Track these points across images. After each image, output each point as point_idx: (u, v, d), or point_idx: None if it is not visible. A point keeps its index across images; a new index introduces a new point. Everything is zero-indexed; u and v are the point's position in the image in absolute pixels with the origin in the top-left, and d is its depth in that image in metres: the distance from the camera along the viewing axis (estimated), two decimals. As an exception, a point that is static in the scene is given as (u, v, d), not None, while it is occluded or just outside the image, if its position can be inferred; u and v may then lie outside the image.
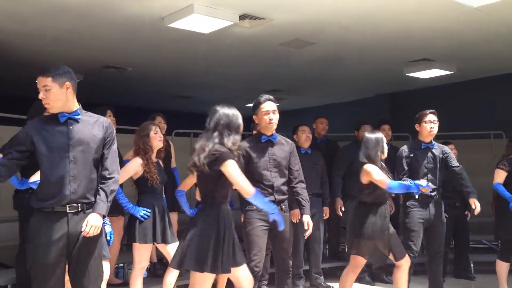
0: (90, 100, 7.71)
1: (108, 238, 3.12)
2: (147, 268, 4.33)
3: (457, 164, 4.28)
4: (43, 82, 2.69)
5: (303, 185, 3.73)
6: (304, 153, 5.02)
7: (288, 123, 5.46)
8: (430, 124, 4.17)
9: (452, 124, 7.51)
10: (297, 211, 4.86)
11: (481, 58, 6.86)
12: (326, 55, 6.66)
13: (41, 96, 2.70)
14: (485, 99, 8.05)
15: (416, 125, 4.26)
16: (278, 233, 3.46)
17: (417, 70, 7.10)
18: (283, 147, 3.65)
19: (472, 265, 5.72)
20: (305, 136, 5.05)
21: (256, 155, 3.55)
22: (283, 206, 3.60)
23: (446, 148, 4.36)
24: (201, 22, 4.92)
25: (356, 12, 5.04)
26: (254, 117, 3.65)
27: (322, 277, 5.14)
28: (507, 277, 4.56)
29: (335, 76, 8.02)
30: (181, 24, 4.96)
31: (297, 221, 4.88)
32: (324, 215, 5.14)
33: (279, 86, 8.63)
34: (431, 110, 4.23)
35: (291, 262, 3.62)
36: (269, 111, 3.59)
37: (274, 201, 3.49)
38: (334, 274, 5.76)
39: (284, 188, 3.64)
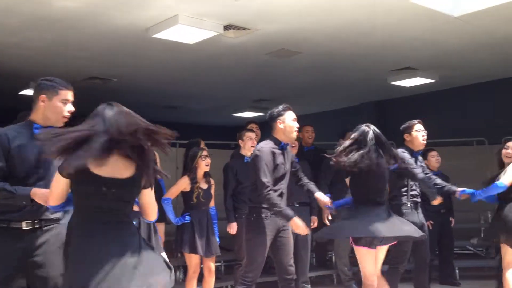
0: (75, 111, 7.73)
1: None
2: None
3: (427, 172, 4.36)
4: (71, 95, 2.74)
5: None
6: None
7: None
8: (421, 133, 4.25)
9: (435, 131, 7.58)
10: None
11: (463, 67, 6.97)
12: (312, 64, 6.71)
13: (71, 109, 2.73)
14: (467, 107, 8.16)
15: (406, 135, 4.30)
16: (279, 239, 3.55)
17: (400, 78, 7.20)
18: (289, 154, 3.77)
19: (457, 271, 5.77)
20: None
21: (279, 161, 3.63)
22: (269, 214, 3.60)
23: (421, 158, 4.46)
24: (186, 33, 4.94)
25: (341, 22, 5.11)
26: (279, 122, 3.67)
27: (309, 286, 5.15)
28: None
29: (321, 85, 8.09)
30: (166, 34, 4.98)
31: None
32: (312, 224, 5.15)
33: (265, 96, 8.68)
34: (418, 120, 4.31)
35: (293, 269, 3.62)
36: (296, 118, 3.72)
37: None
38: (322, 282, 5.79)
39: None
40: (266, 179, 3.43)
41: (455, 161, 5.96)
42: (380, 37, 5.61)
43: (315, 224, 5.16)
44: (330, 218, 5.15)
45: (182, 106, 9.35)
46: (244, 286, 3.44)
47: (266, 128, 3.76)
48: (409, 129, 4.26)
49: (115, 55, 6.04)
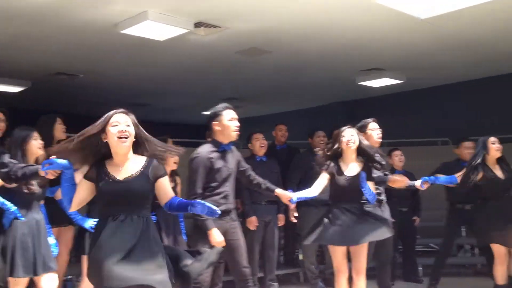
0: (39, 108, 7.53)
1: (53, 249, 3.03)
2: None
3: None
4: None
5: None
6: (259, 161, 5.05)
7: (246, 132, 5.48)
8: (376, 131, 4.28)
9: (402, 131, 7.76)
10: (253, 218, 4.90)
11: (429, 68, 7.13)
12: (282, 64, 6.74)
13: None
14: (433, 108, 8.35)
15: (362, 134, 4.35)
16: (229, 242, 3.47)
17: (369, 79, 7.31)
18: (233, 155, 3.65)
19: (420, 268, 5.89)
20: (259, 144, 5.08)
21: (218, 164, 3.52)
22: (233, 215, 3.57)
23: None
24: (155, 29, 4.88)
25: (311, 22, 5.14)
26: (215, 123, 3.56)
27: (276, 284, 5.17)
28: None
29: (292, 84, 8.13)
30: (135, 30, 4.91)
31: (254, 228, 4.91)
32: (279, 222, 5.18)
33: (236, 94, 8.67)
34: (372, 119, 4.35)
35: (249, 270, 3.58)
36: (235, 118, 3.59)
37: (228, 210, 3.51)
38: (289, 281, 5.82)
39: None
40: (195, 188, 3.40)
41: (420, 161, 6.07)
42: (348, 38, 5.68)
43: (282, 222, 5.19)
44: (296, 215, 5.19)
45: (151, 103, 9.24)
46: None
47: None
48: (363, 128, 4.30)
49: (82, 50, 5.92)
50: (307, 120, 9.37)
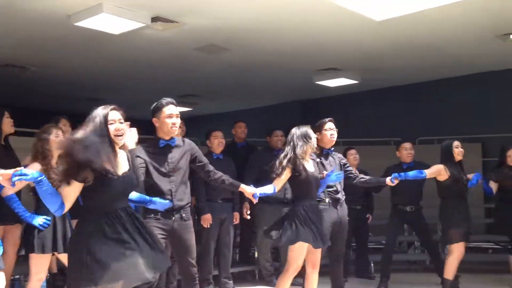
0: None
1: None
2: (46, 279, 4.10)
3: (351, 169, 4.58)
4: None
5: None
6: (216, 158, 5.03)
7: (204, 129, 5.45)
8: (330, 132, 4.37)
9: (357, 130, 7.92)
10: (208, 216, 4.87)
11: (383, 69, 7.30)
12: (240, 62, 6.74)
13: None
14: (387, 108, 8.56)
15: (317, 134, 4.41)
16: (180, 241, 3.44)
17: (325, 78, 7.40)
18: (179, 150, 3.55)
19: (372, 265, 6.04)
20: (217, 142, 5.06)
21: (156, 160, 3.45)
22: (183, 214, 3.48)
23: (341, 155, 4.64)
24: (110, 22, 4.77)
25: (268, 20, 5.16)
26: (154, 119, 3.49)
27: (231, 281, 5.17)
28: None
29: (250, 82, 8.14)
30: (89, 23, 4.78)
31: (208, 226, 4.88)
32: (234, 220, 5.18)
33: (194, 91, 8.60)
34: (329, 119, 4.44)
35: (196, 269, 3.53)
36: (173, 115, 3.47)
37: (173, 208, 3.41)
38: (244, 278, 5.83)
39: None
40: None
41: (373, 160, 6.21)
42: (305, 37, 5.74)
43: (237, 220, 5.19)
44: (248, 212, 5.19)
45: (106, 98, 9.00)
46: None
47: (192, 124, 3.66)
48: (319, 128, 4.41)
49: (33, 42, 5.71)
50: (265, 118, 9.40)
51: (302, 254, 3.75)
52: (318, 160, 4.29)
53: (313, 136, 3.94)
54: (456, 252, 4.67)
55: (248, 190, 3.62)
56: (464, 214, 4.67)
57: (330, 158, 4.41)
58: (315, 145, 3.97)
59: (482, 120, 7.53)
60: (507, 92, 7.41)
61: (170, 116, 3.44)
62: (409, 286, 5.52)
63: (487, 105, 7.59)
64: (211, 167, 3.62)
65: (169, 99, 3.49)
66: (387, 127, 8.19)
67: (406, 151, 5.32)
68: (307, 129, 3.92)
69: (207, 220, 4.87)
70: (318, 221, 3.80)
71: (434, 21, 5.26)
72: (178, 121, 3.48)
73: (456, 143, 4.74)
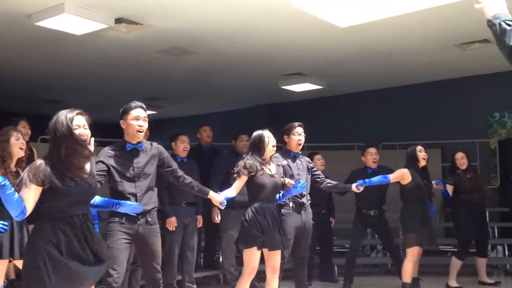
0: None
1: None
2: (4, 285, 3.95)
3: (319, 173, 4.64)
4: None
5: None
6: (180, 162, 4.98)
7: (168, 132, 5.39)
8: (298, 136, 4.40)
9: (322, 135, 8.00)
10: (173, 219, 4.81)
11: (347, 75, 7.42)
12: (205, 65, 6.71)
13: None
14: (351, 113, 8.70)
15: (285, 137, 4.45)
16: (145, 246, 3.37)
17: (291, 83, 7.47)
18: (146, 155, 3.48)
19: (336, 268, 6.10)
20: (183, 146, 5.01)
21: (121, 164, 3.37)
22: (149, 219, 3.40)
23: (309, 159, 4.68)
24: (72, 23, 4.67)
25: (234, 24, 5.16)
26: (121, 122, 3.44)
27: (195, 286, 5.12)
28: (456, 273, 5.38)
29: (215, 86, 8.12)
30: (50, 23, 4.67)
31: (173, 229, 4.82)
32: (198, 223, 5.13)
33: (159, 94, 8.51)
34: (298, 123, 4.45)
35: (160, 275, 3.46)
36: (140, 118, 3.40)
37: (138, 214, 3.32)
38: (208, 282, 5.79)
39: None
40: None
41: (337, 164, 6.29)
42: (271, 42, 5.77)
43: (200, 223, 5.15)
44: (219, 217, 5.17)
45: (67, 100, 8.82)
46: None
47: (157, 127, 3.60)
48: (288, 131, 4.43)
49: (-9, 41, 5.53)
50: (231, 122, 9.39)
51: (253, 257, 3.74)
52: (285, 162, 4.31)
53: (268, 139, 3.91)
54: (411, 256, 4.76)
55: (216, 198, 3.63)
56: (423, 218, 4.76)
57: (297, 161, 4.43)
58: (272, 148, 3.95)
59: (442, 126, 7.75)
60: (465, 99, 7.65)
61: (136, 118, 3.38)
62: (371, 289, 5.61)
63: (446, 111, 7.81)
64: (180, 172, 3.59)
65: (138, 103, 3.45)
66: (351, 132, 8.32)
67: (371, 156, 5.39)
68: (262, 133, 3.93)
69: (172, 223, 4.81)
70: (268, 223, 3.76)
71: (395, 29, 5.38)
72: (145, 124, 3.42)
73: (419, 147, 4.87)
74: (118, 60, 6.42)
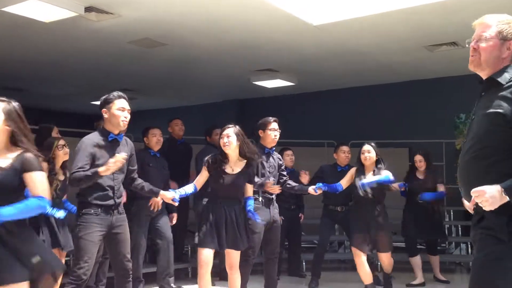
0: None
1: None
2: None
3: (284, 173, 4.57)
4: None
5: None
6: (153, 155, 4.92)
7: (139, 124, 5.31)
8: (274, 132, 4.35)
9: (292, 132, 8.04)
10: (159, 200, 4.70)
11: (319, 73, 7.47)
12: (177, 57, 6.64)
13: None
14: (321, 111, 8.78)
15: (260, 131, 4.39)
16: (116, 235, 3.36)
17: (262, 79, 7.47)
18: (125, 148, 3.52)
19: (304, 263, 6.15)
20: (156, 140, 4.94)
21: (103, 154, 3.34)
22: (119, 209, 3.44)
23: (280, 156, 4.65)
24: (40, 9, 4.54)
25: (207, 17, 5.11)
26: (104, 110, 3.39)
27: (172, 278, 5.06)
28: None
29: (186, 79, 8.05)
30: (17, 9, 4.53)
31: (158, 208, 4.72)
32: (171, 221, 5.08)
33: (129, 85, 8.37)
34: (274, 118, 4.41)
35: (130, 265, 3.46)
36: (124, 109, 3.40)
37: (114, 204, 3.36)
38: (177, 276, 5.74)
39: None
40: (76, 164, 3.24)
41: (307, 161, 6.33)
42: (243, 37, 5.75)
43: (174, 218, 5.10)
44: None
45: (30, 89, 8.60)
46: (73, 285, 3.23)
47: (131, 118, 3.51)
48: (263, 126, 4.38)
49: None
50: (201, 116, 9.34)
51: (207, 256, 3.67)
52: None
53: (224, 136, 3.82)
54: (355, 257, 4.65)
55: (167, 195, 3.65)
56: (365, 222, 4.57)
57: (271, 159, 4.40)
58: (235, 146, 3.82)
59: (410, 126, 7.90)
60: (433, 100, 7.81)
61: (122, 109, 3.38)
62: (338, 284, 5.68)
63: (415, 111, 7.96)
64: (136, 175, 3.62)
65: (121, 93, 3.44)
66: (321, 130, 8.39)
67: (344, 154, 5.38)
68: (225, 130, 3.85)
69: (156, 202, 4.68)
70: (219, 222, 3.71)
71: (367, 29, 5.44)
72: (128, 116, 3.42)
73: (363, 147, 4.68)
74: (88, 50, 6.28)
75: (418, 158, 5.50)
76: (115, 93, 3.42)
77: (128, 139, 3.58)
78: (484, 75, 2.13)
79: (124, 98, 3.42)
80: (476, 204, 1.97)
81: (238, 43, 5.99)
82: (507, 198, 1.85)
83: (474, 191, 1.88)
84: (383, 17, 4.94)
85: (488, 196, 1.85)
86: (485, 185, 1.88)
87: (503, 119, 1.96)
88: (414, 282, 5.43)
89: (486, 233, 1.97)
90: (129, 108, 3.44)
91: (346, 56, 6.55)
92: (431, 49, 6.13)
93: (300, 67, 7.07)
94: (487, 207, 1.86)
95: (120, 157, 3.14)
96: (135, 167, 3.61)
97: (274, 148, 4.47)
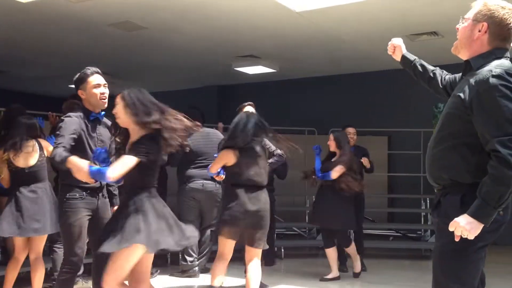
0: None
1: None
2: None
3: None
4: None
5: None
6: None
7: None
8: None
9: (272, 119, 8.02)
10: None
11: (301, 60, 7.46)
12: (157, 42, 6.55)
13: None
14: (302, 98, 8.78)
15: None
16: (101, 219, 3.19)
17: (244, 65, 7.43)
18: (107, 128, 3.31)
19: (282, 250, 6.18)
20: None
21: (87, 134, 3.15)
22: (104, 192, 3.29)
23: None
24: (17, -11, 4.42)
25: (189, 2, 5.06)
26: (80, 92, 3.22)
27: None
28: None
29: (166, 64, 7.96)
30: (-7, -12, 4.40)
31: None
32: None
33: (108, 69, 8.13)
34: (249, 102, 4.40)
35: None
36: (100, 85, 3.20)
37: (99, 187, 3.21)
38: (154, 263, 5.73)
39: None
40: (58, 139, 3.00)
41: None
42: (225, 22, 5.70)
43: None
44: None
45: (10, 71, 8.41)
46: (70, 274, 3.13)
47: (109, 103, 3.36)
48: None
49: None
50: (178, 102, 9.18)
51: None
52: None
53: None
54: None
55: None
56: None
57: None
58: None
59: (389, 115, 7.97)
60: (413, 89, 7.87)
61: (97, 86, 3.18)
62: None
63: (394, 100, 8.03)
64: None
65: (94, 68, 3.22)
66: (302, 117, 8.40)
67: (349, 135, 5.41)
68: None
69: None
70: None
71: (349, 16, 5.45)
72: (106, 91, 3.23)
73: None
74: (67, 31, 6.15)
75: (330, 138, 5.06)
76: (87, 70, 3.22)
77: (107, 120, 3.36)
78: (463, 57, 2.12)
79: (97, 73, 3.22)
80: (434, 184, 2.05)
81: (220, 29, 5.94)
82: (482, 224, 1.84)
83: (451, 226, 1.87)
84: (366, 5, 4.95)
85: (463, 224, 1.84)
86: (455, 218, 1.86)
87: (462, 104, 1.96)
88: (328, 276, 4.96)
89: (442, 221, 1.98)
90: (105, 82, 3.25)
91: (328, 44, 6.55)
92: (411, 38, 6.17)
93: (282, 53, 7.06)
94: (471, 235, 1.84)
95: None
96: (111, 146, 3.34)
97: None
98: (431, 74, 2.40)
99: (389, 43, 2.54)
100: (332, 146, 4.99)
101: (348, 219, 4.82)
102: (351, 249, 4.99)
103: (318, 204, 4.98)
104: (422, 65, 2.45)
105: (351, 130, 5.47)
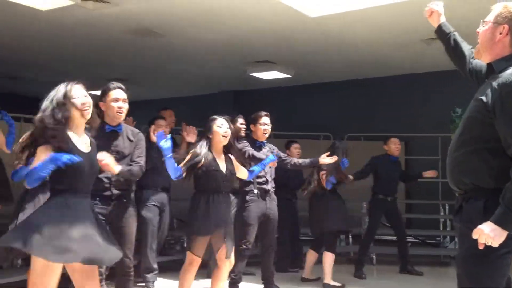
0: None
1: None
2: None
3: (283, 154, 4.61)
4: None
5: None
6: (156, 147, 4.89)
7: (133, 115, 5.27)
8: (264, 126, 4.44)
9: (287, 124, 8.04)
10: None
11: (316, 65, 7.45)
12: (174, 48, 6.61)
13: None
14: (317, 104, 8.76)
15: (251, 125, 4.48)
16: (116, 228, 3.18)
17: (259, 71, 7.44)
18: (124, 139, 3.38)
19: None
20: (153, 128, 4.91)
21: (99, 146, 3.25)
22: (124, 200, 3.30)
23: (272, 145, 4.60)
24: (37, -2, 4.49)
25: (205, 9, 5.09)
26: (101, 103, 3.34)
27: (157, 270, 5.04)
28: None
29: (182, 70, 8.01)
30: (14, -3, 4.47)
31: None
32: None
33: (123, 75, 8.31)
34: (265, 113, 4.48)
35: (130, 262, 3.29)
36: (119, 99, 3.33)
37: (111, 195, 3.23)
38: (167, 267, 5.76)
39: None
40: None
41: (302, 154, 6.32)
42: (241, 28, 5.72)
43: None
44: None
45: (25, 77, 8.54)
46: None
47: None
48: (254, 120, 4.45)
49: None
50: (193, 108, 9.28)
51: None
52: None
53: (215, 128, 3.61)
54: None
55: None
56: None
57: (263, 150, 4.44)
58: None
59: (406, 120, 7.90)
60: (430, 94, 7.82)
61: (116, 100, 3.31)
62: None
63: (411, 105, 7.96)
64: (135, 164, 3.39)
65: (117, 84, 3.37)
66: (317, 122, 8.38)
67: (395, 145, 5.65)
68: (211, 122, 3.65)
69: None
70: None
71: (365, 22, 5.43)
72: (125, 106, 3.34)
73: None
74: (82, 39, 6.24)
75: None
76: (111, 85, 3.35)
77: (136, 131, 3.45)
78: (485, 61, 2.10)
79: (119, 88, 3.35)
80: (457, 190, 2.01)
81: (235, 36, 5.97)
82: (506, 232, 1.82)
83: (475, 233, 1.85)
84: (380, 10, 4.92)
85: (487, 232, 1.82)
86: (479, 225, 1.84)
87: (484, 107, 1.93)
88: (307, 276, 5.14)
89: (465, 226, 1.96)
90: (125, 97, 3.35)
91: (343, 49, 6.54)
92: (427, 42, 6.11)
93: (297, 59, 7.05)
94: (495, 242, 1.82)
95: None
96: (140, 157, 3.40)
97: (265, 142, 4.49)
98: (461, 54, 2.39)
99: (428, 4, 2.48)
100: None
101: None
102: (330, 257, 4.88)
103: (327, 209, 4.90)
104: (455, 40, 2.42)
105: (396, 140, 5.72)
